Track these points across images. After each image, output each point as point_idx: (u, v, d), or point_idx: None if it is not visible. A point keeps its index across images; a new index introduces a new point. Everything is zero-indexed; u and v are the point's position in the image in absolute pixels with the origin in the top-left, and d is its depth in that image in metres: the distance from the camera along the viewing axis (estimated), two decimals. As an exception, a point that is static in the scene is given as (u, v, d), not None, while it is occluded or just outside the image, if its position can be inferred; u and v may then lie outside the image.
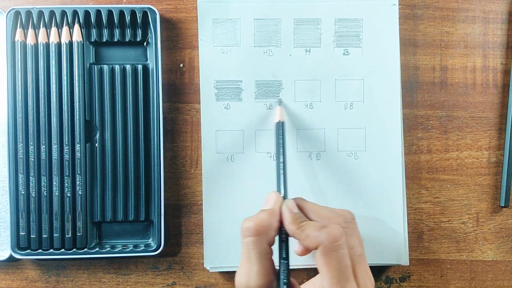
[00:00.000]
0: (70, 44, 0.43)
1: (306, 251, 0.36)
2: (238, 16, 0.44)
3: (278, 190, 0.37)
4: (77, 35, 0.43)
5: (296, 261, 0.44)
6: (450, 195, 0.46)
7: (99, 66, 0.44)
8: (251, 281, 0.32)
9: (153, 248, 0.43)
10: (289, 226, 0.34)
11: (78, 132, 0.43)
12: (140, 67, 0.44)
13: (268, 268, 0.33)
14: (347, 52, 0.45)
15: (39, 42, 0.43)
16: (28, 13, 0.43)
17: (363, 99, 0.45)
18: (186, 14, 0.45)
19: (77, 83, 0.43)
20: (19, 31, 0.43)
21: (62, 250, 0.43)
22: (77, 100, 0.43)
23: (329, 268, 0.31)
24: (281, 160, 0.38)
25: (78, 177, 0.43)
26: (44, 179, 0.43)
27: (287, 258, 0.34)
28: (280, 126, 0.41)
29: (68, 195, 0.43)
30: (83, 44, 0.44)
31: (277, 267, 0.34)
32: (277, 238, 0.35)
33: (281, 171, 0.38)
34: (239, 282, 0.33)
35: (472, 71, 0.46)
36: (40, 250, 0.43)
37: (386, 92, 0.45)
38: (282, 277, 0.33)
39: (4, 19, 0.43)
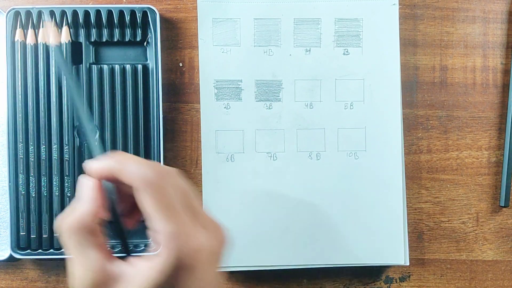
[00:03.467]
0: (70, 44, 0.43)
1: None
2: (238, 16, 0.44)
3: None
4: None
5: (295, 261, 0.44)
6: (450, 195, 0.46)
7: (99, 66, 0.44)
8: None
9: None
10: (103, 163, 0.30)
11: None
12: (140, 67, 0.44)
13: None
14: (347, 52, 0.45)
15: (39, 42, 0.43)
16: (28, 13, 0.43)
17: (363, 99, 0.45)
18: (186, 14, 0.45)
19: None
20: (19, 31, 0.43)
21: (62, 250, 0.43)
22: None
23: (157, 207, 0.28)
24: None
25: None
26: (44, 179, 0.43)
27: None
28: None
29: (68, 195, 0.43)
30: (83, 44, 0.44)
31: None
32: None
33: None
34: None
35: (472, 71, 0.46)
36: (40, 250, 0.43)
37: (386, 92, 0.45)
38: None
39: (4, 19, 0.43)
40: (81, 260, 0.29)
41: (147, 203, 0.29)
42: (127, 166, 0.29)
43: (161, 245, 0.28)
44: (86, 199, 0.30)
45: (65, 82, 0.33)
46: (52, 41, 0.36)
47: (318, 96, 0.45)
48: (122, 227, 0.32)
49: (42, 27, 0.43)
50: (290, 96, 0.45)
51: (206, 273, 0.29)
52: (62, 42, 0.43)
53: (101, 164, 0.30)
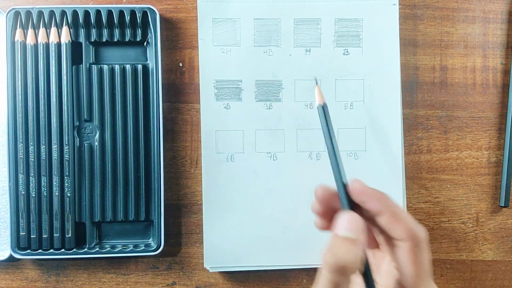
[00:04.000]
0: (70, 44, 0.43)
1: (373, 243, 0.34)
2: (238, 16, 0.44)
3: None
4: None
5: (295, 261, 0.44)
6: (450, 195, 0.46)
7: (99, 66, 0.44)
8: None
9: (153, 248, 0.43)
10: (378, 205, 0.31)
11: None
12: (140, 67, 0.44)
13: None
14: (347, 52, 0.45)
15: (39, 42, 0.43)
16: (28, 13, 0.43)
17: (363, 99, 0.45)
18: (186, 14, 0.45)
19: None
20: (19, 31, 0.43)
21: (62, 250, 0.43)
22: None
23: (417, 268, 0.30)
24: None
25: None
26: (44, 179, 0.43)
27: None
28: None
29: (68, 195, 0.43)
30: (83, 44, 0.44)
31: None
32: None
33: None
34: None
35: (472, 71, 0.46)
36: (40, 250, 0.43)
37: (386, 92, 0.45)
38: None
39: (4, 19, 0.43)
40: None
41: (405, 259, 0.30)
42: (402, 218, 0.31)
43: None
44: (355, 241, 0.30)
45: (327, 142, 0.34)
46: (319, 101, 0.34)
47: (318, 96, 0.45)
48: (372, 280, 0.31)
49: (42, 27, 0.43)
50: (290, 96, 0.45)
51: None
52: (62, 42, 0.43)
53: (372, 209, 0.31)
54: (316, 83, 0.36)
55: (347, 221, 0.31)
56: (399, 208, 0.32)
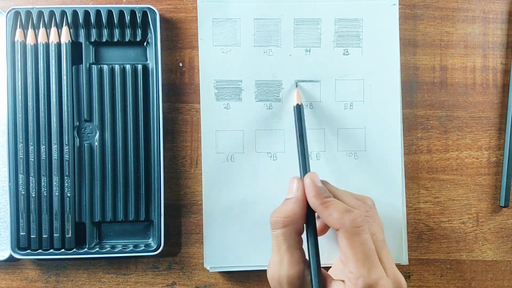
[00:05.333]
0: (70, 44, 0.43)
1: (324, 229, 0.39)
2: (238, 16, 0.44)
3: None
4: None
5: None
6: (450, 195, 0.46)
7: (99, 66, 0.44)
8: (283, 271, 0.33)
9: (153, 248, 0.43)
10: (312, 200, 0.34)
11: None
12: (140, 67, 0.44)
13: (299, 257, 0.34)
14: (347, 52, 0.45)
15: (38, 42, 0.43)
16: (28, 13, 0.43)
17: (363, 99, 0.45)
18: (186, 14, 0.45)
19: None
20: (18, 31, 0.43)
21: (62, 250, 0.43)
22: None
23: (354, 251, 0.32)
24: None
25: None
26: (44, 179, 0.43)
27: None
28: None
29: (68, 195, 0.43)
30: (83, 44, 0.44)
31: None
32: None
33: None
34: (271, 273, 0.34)
35: (472, 71, 0.46)
36: (40, 250, 0.43)
37: (386, 92, 0.45)
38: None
39: (4, 19, 0.43)
40: (287, 257, 0.33)
41: (343, 247, 0.32)
42: (329, 208, 0.33)
43: (351, 283, 0.32)
44: (300, 203, 0.34)
45: (297, 140, 0.40)
46: (296, 101, 0.42)
47: (318, 96, 0.45)
48: (316, 237, 0.35)
49: (42, 27, 0.43)
50: (290, 96, 0.45)
51: None
52: (62, 42, 0.43)
53: (310, 197, 0.35)
54: (296, 86, 0.44)
55: (288, 186, 0.36)
56: (332, 199, 0.34)
